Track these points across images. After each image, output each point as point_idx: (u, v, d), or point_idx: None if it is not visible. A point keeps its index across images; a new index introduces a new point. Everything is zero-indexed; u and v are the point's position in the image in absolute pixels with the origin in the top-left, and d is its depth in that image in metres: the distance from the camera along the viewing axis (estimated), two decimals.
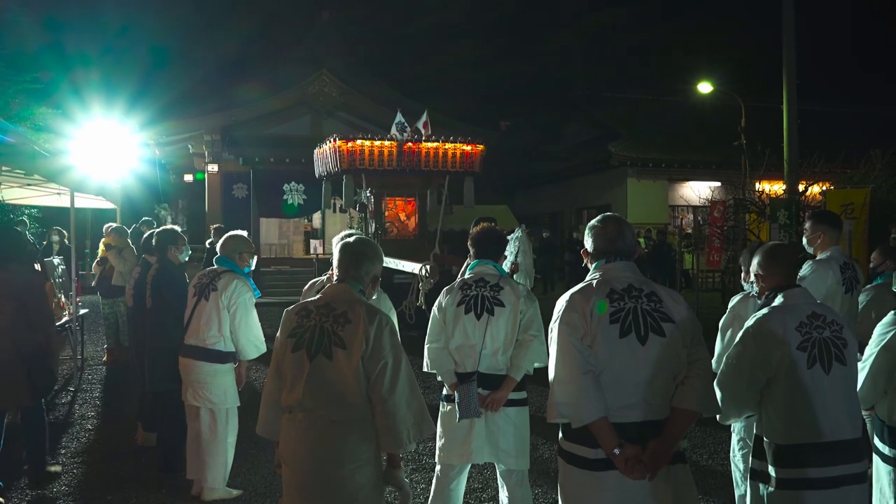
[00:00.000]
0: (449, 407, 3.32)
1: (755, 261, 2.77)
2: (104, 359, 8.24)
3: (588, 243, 2.55)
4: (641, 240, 15.84)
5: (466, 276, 3.42)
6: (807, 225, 4.26)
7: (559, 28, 44.61)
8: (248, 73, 21.25)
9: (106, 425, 5.71)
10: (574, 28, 41.29)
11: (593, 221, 2.56)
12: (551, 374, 2.37)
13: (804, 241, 4.26)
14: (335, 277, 2.65)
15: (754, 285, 2.85)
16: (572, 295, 2.40)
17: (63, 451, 5.01)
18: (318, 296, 2.61)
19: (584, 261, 2.60)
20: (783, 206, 10.46)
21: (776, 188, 15.17)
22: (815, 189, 13.87)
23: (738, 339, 2.63)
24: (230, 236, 4.29)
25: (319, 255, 17.15)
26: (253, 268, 4.31)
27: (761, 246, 2.85)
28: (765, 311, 2.60)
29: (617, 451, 2.21)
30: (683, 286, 15.00)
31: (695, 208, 21.18)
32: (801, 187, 12.93)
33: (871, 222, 9.58)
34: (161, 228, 5.05)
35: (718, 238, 14.31)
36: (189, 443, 4.13)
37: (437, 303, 3.40)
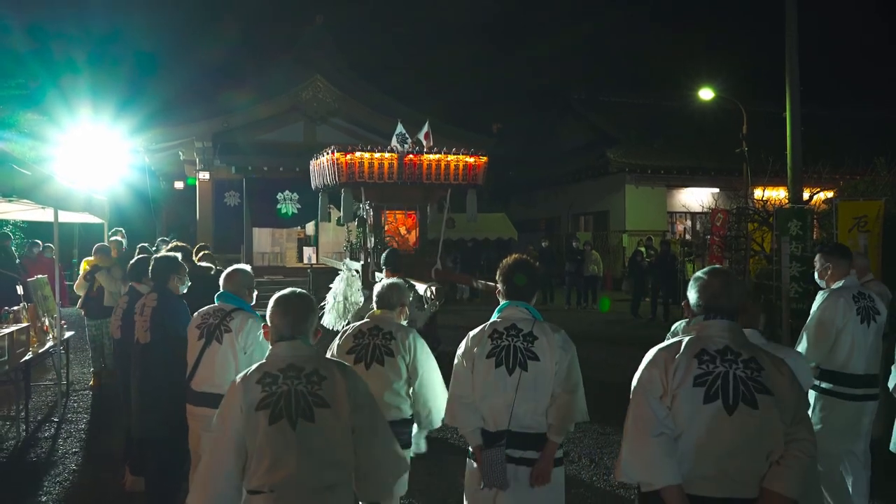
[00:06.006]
0: (475, 465, 2.97)
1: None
2: (90, 383, 7.85)
3: (691, 296, 2.43)
4: (642, 249, 15.56)
5: (495, 318, 3.05)
6: (816, 258, 4.26)
7: (555, 32, 44.44)
8: (240, 79, 20.90)
9: (91, 464, 5.33)
10: (570, 32, 41.10)
11: (699, 273, 2.44)
12: (625, 431, 2.30)
13: (816, 274, 4.26)
14: (274, 335, 2.47)
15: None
16: (658, 351, 2.32)
17: (44, 499, 4.63)
18: (269, 360, 2.41)
19: (686, 314, 2.54)
20: (794, 216, 10.17)
21: (775, 194, 14.94)
22: (820, 196, 13.63)
23: None
24: (238, 270, 3.95)
25: (314, 265, 16.79)
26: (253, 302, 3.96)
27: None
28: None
29: None
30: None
31: (693, 215, 20.98)
32: (805, 195, 12.69)
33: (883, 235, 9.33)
34: (160, 255, 4.65)
35: (719, 247, 14.08)
36: None
37: (461, 349, 3.05)
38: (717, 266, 2.48)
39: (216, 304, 3.86)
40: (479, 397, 2.92)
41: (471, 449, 3.03)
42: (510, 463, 2.86)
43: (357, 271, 7.10)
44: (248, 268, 4.05)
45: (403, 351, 3.43)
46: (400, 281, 3.85)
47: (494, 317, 3.07)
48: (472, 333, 3.05)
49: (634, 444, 2.21)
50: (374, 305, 3.64)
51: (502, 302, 3.08)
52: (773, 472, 2.14)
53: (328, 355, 3.52)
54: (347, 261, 7.19)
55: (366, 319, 3.61)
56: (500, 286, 3.11)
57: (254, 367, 2.43)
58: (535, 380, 2.88)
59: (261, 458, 2.26)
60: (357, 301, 6.10)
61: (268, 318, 2.52)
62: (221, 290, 3.88)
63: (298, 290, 2.63)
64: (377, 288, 3.73)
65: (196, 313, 3.91)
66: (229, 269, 4.00)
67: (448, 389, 3.12)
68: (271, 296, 2.51)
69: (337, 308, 6.25)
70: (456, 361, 3.07)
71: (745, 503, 2.13)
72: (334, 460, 2.32)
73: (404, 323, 3.68)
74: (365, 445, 2.38)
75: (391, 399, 3.39)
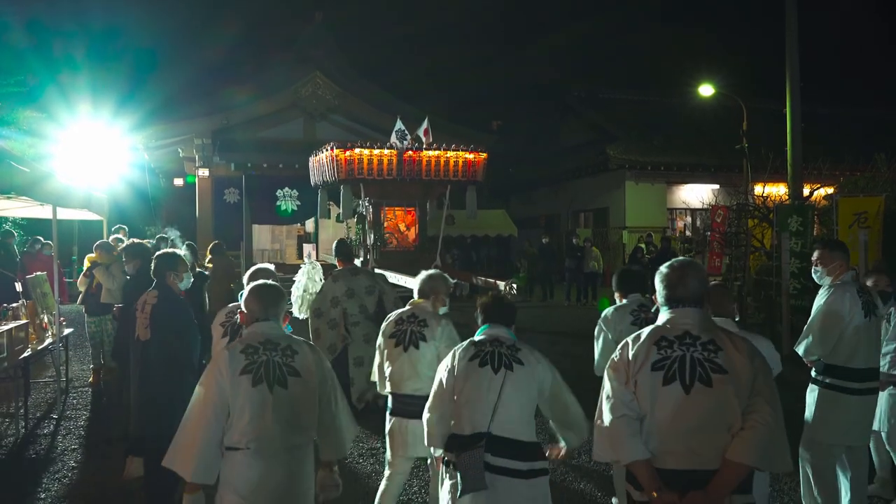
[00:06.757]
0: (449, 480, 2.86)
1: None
2: (90, 380, 7.84)
3: (657, 290, 2.58)
4: (643, 245, 15.54)
5: (477, 338, 3.04)
6: (818, 254, 4.19)
7: (555, 30, 44.36)
8: (240, 76, 20.89)
9: (91, 461, 5.32)
10: (570, 30, 41.01)
11: (661, 268, 2.58)
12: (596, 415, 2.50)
13: (818, 270, 4.19)
14: (250, 318, 2.88)
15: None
16: (626, 340, 2.50)
17: (43, 496, 4.62)
18: (248, 335, 2.84)
19: (619, 300, 2.81)
20: (794, 212, 10.17)
21: (775, 191, 14.92)
22: (820, 192, 13.61)
23: None
24: (260, 269, 4.18)
25: (321, 263, 16.78)
26: None
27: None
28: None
29: (655, 495, 2.28)
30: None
31: (693, 211, 20.96)
32: (805, 191, 12.67)
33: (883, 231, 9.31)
34: (160, 252, 4.65)
35: (719, 243, 14.06)
36: None
37: (442, 366, 3.02)
38: (678, 259, 2.62)
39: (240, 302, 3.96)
40: (464, 401, 2.85)
41: (446, 457, 2.92)
42: (487, 471, 2.73)
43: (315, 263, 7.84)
44: (271, 267, 4.29)
45: (434, 338, 3.78)
46: (437, 272, 4.20)
47: (477, 337, 3.05)
48: (455, 349, 3.05)
49: (599, 428, 2.42)
50: (415, 295, 4.07)
51: (482, 326, 3.09)
52: (733, 443, 2.26)
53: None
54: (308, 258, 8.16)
55: (407, 307, 4.03)
56: (479, 319, 3.15)
57: (236, 340, 2.86)
58: (521, 382, 2.84)
59: (241, 416, 2.64)
60: (315, 291, 6.69)
61: (243, 304, 2.92)
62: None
63: (270, 281, 3.07)
64: (417, 280, 4.13)
65: (220, 311, 4.07)
66: (253, 268, 4.23)
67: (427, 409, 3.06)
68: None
69: (300, 300, 6.74)
70: (437, 378, 3.02)
71: (711, 474, 2.27)
72: (301, 423, 2.75)
73: (443, 310, 4.00)
74: (329, 411, 2.85)
75: (426, 378, 3.64)
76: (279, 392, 2.67)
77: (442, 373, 3.00)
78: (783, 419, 2.33)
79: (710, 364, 2.32)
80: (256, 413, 2.62)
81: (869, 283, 4.72)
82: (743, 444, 2.24)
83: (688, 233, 20.53)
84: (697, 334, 2.39)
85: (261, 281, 3.02)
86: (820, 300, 4.03)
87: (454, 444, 2.83)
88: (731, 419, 2.27)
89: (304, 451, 2.77)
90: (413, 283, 7.31)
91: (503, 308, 3.14)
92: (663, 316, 2.50)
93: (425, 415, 3.02)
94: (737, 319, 3.50)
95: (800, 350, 4.09)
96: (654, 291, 2.64)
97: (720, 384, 2.28)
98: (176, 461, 2.63)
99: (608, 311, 4.31)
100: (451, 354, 3.02)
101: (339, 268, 6.55)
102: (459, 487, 2.73)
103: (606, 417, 2.39)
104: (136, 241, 6.92)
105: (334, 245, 6.76)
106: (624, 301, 4.27)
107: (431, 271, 4.20)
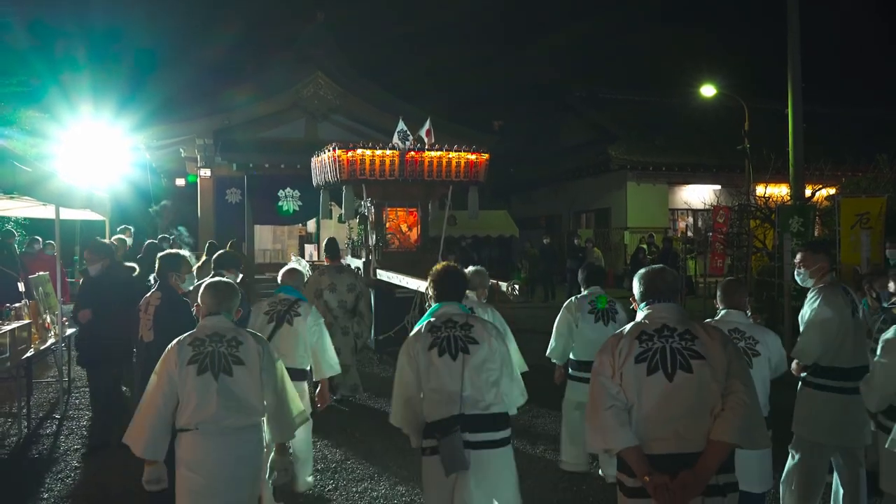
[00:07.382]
0: (429, 461, 3.06)
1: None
2: None
3: (635, 291, 2.78)
4: (644, 246, 15.53)
5: (431, 318, 3.18)
6: (801, 256, 4.24)
7: (554, 29, 44.32)
8: (241, 76, 20.86)
9: (94, 461, 5.33)
10: (569, 29, 40.95)
11: (639, 271, 2.80)
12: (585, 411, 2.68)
13: (800, 272, 4.23)
14: (204, 312, 3.16)
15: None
16: (609, 338, 2.66)
17: (45, 496, 4.63)
18: (198, 329, 3.11)
19: (632, 304, 2.86)
20: (796, 212, 10.16)
21: (777, 191, 14.91)
22: (822, 193, 13.60)
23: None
24: (296, 269, 4.89)
25: (315, 262, 16.78)
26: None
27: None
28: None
29: (647, 479, 2.38)
30: (687, 293, 14.70)
31: (695, 212, 20.96)
32: (807, 192, 12.65)
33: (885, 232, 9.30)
34: (163, 253, 4.69)
35: (721, 244, 14.05)
36: None
37: (402, 353, 3.14)
38: (656, 265, 2.84)
39: (281, 295, 4.60)
40: (430, 391, 3.02)
41: (424, 443, 3.09)
42: (468, 448, 2.94)
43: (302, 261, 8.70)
44: (300, 267, 5.11)
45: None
46: (482, 268, 4.72)
47: (428, 317, 3.20)
48: (412, 334, 3.18)
49: (591, 418, 2.54)
50: None
51: (434, 304, 3.25)
52: (715, 424, 2.41)
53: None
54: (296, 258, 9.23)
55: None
56: (431, 292, 3.31)
57: (186, 333, 3.09)
58: (479, 360, 3.03)
59: (188, 401, 2.93)
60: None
61: (199, 299, 3.20)
62: (282, 283, 4.70)
63: (225, 279, 3.37)
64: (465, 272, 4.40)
65: (264, 302, 4.63)
66: (287, 267, 4.89)
67: (394, 390, 3.20)
68: (273, 292, 3.03)
69: None
70: (399, 364, 3.16)
71: (698, 456, 2.41)
72: (246, 406, 3.01)
73: (483, 301, 4.56)
74: (273, 396, 3.10)
75: None
76: (224, 379, 2.96)
77: (403, 360, 3.13)
78: (758, 398, 2.54)
79: (688, 352, 2.49)
80: (202, 398, 2.92)
81: (890, 285, 4.71)
82: (725, 424, 2.39)
83: (689, 233, 20.51)
84: (674, 326, 2.56)
85: (217, 278, 3.38)
86: (812, 303, 4.04)
87: (432, 430, 3.01)
88: (713, 401, 2.44)
89: (250, 432, 3.04)
90: (414, 283, 7.37)
91: (456, 282, 3.28)
92: (641, 313, 2.68)
93: (395, 397, 3.17)
94: (748, 314, 3.66)
95: (798, 356, 4.06)
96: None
97: (700, 369, 2.45)
98: (130, 438, 2.97)
99: (571, 299, 5.10)
100: (407, 343, 3.16)
101: (326, 264, 7.27)
102: (444, 468, 2.94)
103: (596, 410, 2.53)
104: (99, 239, 6.92)
105: (325, 244, 7.43)
106: (585, 292, 5.08)
107: (478, 267, 4.81)
